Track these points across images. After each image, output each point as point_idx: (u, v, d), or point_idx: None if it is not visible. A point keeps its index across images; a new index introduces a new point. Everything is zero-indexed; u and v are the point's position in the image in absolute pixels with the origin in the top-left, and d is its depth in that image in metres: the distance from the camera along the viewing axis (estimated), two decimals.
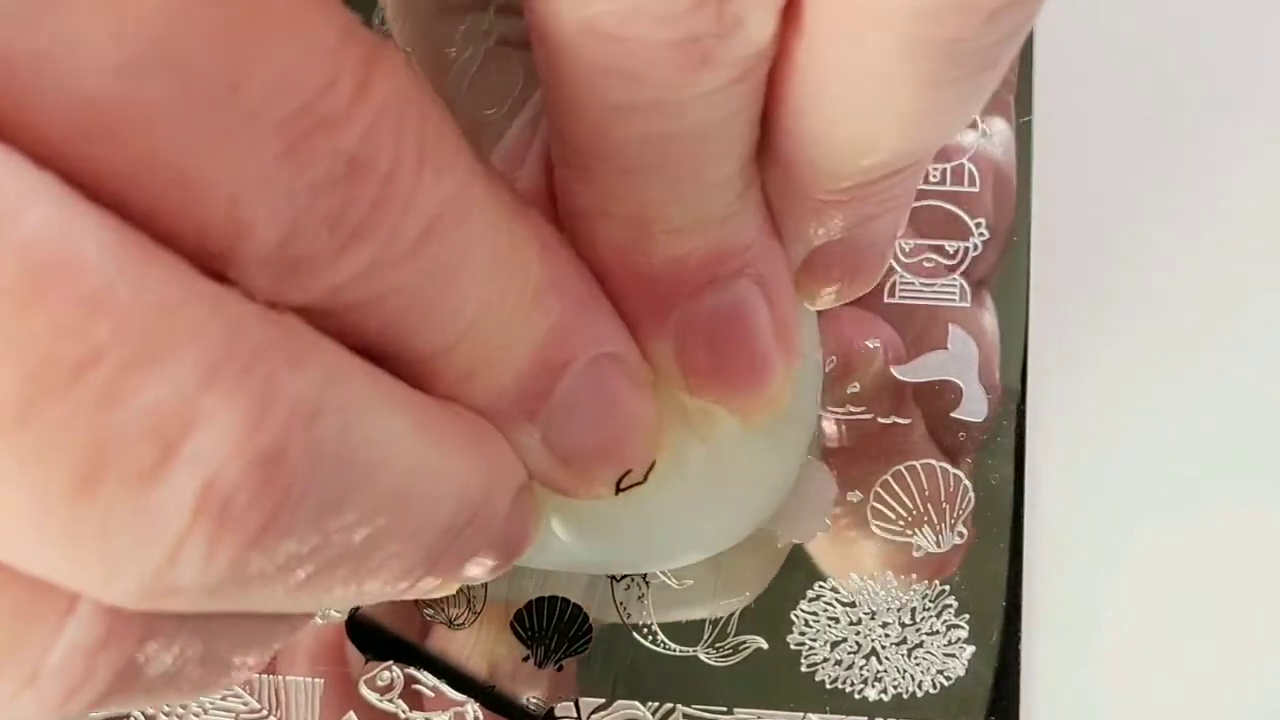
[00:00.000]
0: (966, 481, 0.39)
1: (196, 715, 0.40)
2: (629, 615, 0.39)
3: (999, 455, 0.39)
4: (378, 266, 0.18)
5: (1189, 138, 0.42)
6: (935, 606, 0.38)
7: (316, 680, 0.40)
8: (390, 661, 0.40)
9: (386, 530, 0.19)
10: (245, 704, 0.40)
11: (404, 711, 0.39)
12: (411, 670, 0.40)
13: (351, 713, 0.40)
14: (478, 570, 0.23)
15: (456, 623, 0.40)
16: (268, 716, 0.40)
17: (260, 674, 0.40)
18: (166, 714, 0.40)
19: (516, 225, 0.21)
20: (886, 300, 0.40)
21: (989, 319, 0.40)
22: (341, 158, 0.16)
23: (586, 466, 0.24)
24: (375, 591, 0.20)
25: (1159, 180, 0.42)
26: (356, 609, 0.40)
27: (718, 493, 0.30)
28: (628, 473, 0.25)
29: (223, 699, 0.40)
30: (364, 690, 0.40)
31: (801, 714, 0.38)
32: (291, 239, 0.17)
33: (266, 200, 0.16)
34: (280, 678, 0.40)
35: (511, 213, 0.20)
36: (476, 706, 0.39)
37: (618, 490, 0.24)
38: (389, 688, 0.39)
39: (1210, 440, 0.40)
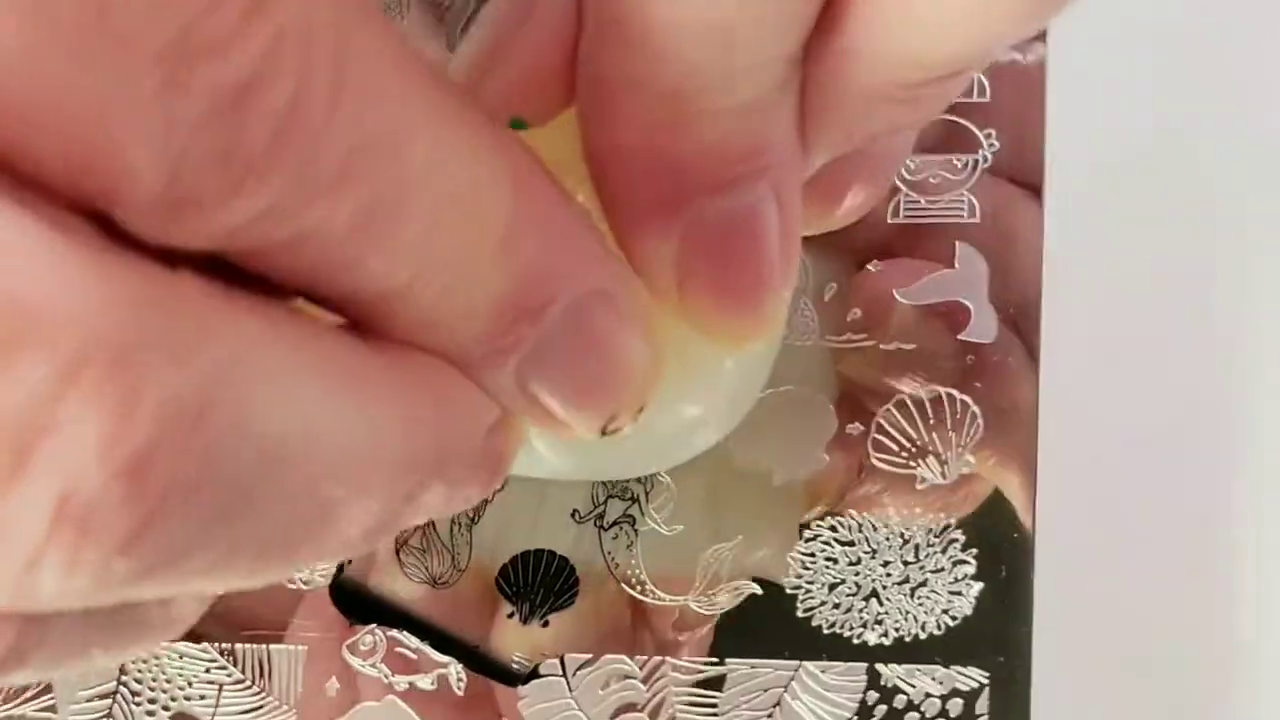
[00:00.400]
0: (975, 407, 0.36)
1: (181, 689, 0.39)
2: (616, 565, 0.37)
3: (1010, 378, 0.36)
4: (285, 206, 0.16)
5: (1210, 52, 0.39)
6: (940, 542, 0.35)
7: (299, 647, 0.38)
8: (373, 625, 0.38)
9: (310, 512, 0.17)
10: (229, 675, 0.38)
11: (387, 676, 0.37)
12: (394, 633, 0.38)
13: (334, 678, 0.38)
14: (454, 505, 0.21)
15: (441, 581, 0.38)
16: (251, 685, 0.38)
17: (243, 644, 0.39)
18: (152, 689, 0.39)
19: (483, 156, 0.18)
20: (890, 220, 0.38)
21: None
22: (229, 87, 0.15)
23: (568, 413, 0.22)
24: (325, 557, 0.19)
25: (1178, 100, 0.39)
26: (340, 572, 0.39)
27: (703, 400, 0.29)
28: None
29: (206, 671, 0.39)
30: (347, 655, 0.38)
31: (796, 663, 0.35)
32: (177, 179, 0.15)
33: (146, 139, 0.15)
34: (264, 647, 0.38)
35: (477, 141, 0.18)
36: (460, 668, 0.37)
37: (603, 434, 0.22)
38: (371, 651, 0.38)
39: (1234, 360, 0.36)
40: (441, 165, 0.17)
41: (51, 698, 0.39)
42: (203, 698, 0.38)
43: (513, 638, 0.37)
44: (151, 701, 0.39)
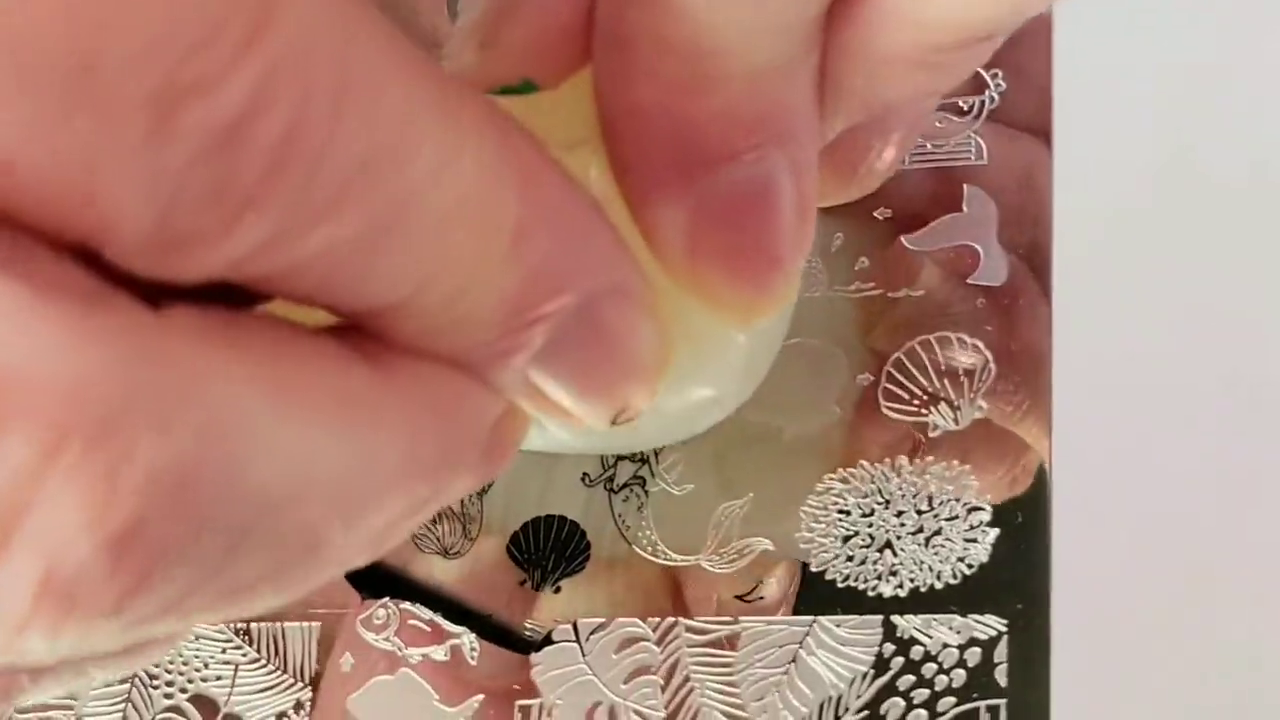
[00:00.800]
0: (986, 352, 0.35)
1: (198, 670, 0.39)
2: (627, 527, 0.36)
3: (1021, 322, 0.35)
4: (285, 234, 0.15)
5: None
6: (955, 489, 0.34)
7: (312, 625, 0.38)
8: (386, 598, 0.37)
9: (308, 546, 0.17)
10: (245, 654, 0.38)
11: (400, 649, 0.37)
12: (407, 605, 0.37)
13: (348, 653, 0.37)
14: (458, 496, 0.21)
15: (452, 551, 0.37)
16: (266, 664, 0.38)
17: (257, 622, 0.38)
18: (169, 672, 0.39)
19: (489, 157, 0.18)
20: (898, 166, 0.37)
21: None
22: (220, 124, 0.14)
23: (577, 406, 0.21)
24: (329, 577, 0.19)
25: (1187, 43, 0.38)
26: None
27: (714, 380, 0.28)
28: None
29: (223, 651, 0.38)
30: (360, 630, 0.37)
31: (811, 618, 0.34)
32: (168, 220, 0.15)
33: (134, 184, 0.14)
34: (278, 624, 0.38)
35: (483, 141, 0.18)
36: (473, 638, 0.36)
37: (613, 424, 0.22)
38: (384, 625, 0.37)
39: (1247, 302, 0.35)
40: (447, 172, 0.17)
41: None
42: (219, 678, 0.38)
43: (555, 609, 0.37)
44: (169, 684, 0.38)
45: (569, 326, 0.19)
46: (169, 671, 0.39)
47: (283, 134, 0.15)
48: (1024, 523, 0.33)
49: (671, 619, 0.35)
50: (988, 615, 0.33)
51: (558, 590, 0.36)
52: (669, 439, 0.34)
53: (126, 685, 0.39)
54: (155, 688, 0.38)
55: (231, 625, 0.38)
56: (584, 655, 0.36)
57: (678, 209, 0.22)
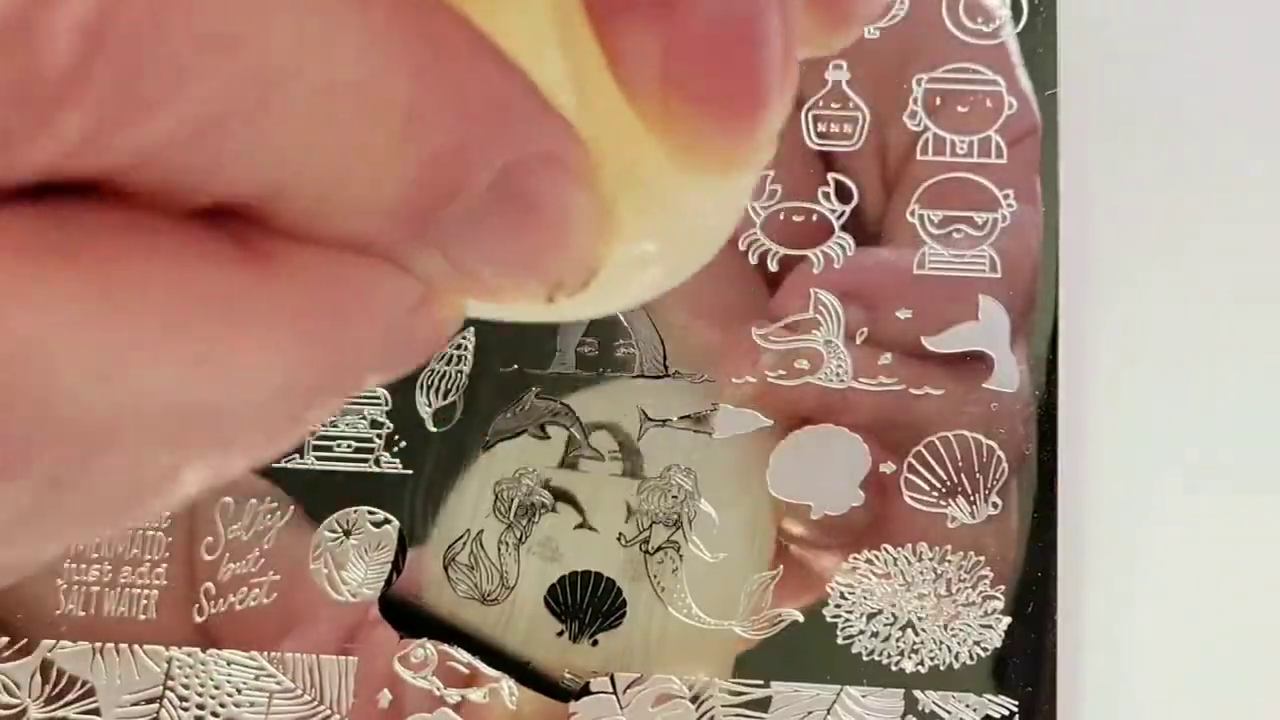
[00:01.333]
0: (1000, 452, 0.39)
1: (230, 695, 0.40)
2: (663, 589, 0.39)
3: (1032, 425, 0.39)
4: (110, 130, 0.14)
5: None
6: (971, 578, 0.38)
7: (350, 659, 0.40)
8: (424, 639, 0.40)
9: (162, 474, 0.16)
10: (279, 683, 0.40)
11: (439, 688, 0.39)
12: (446, 647, 0.39)
13: (386, 690, 0.39)
14: (380, 383, 0.19)
15: (490, 598, 0.40)
16: (302, 695, 0.40)
17: (293, 653, 0.40)
18: (200, 694, 0.40)
19: (369, 38, 0.15)
20: (916, 271, 0.40)
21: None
22: (10, 13, 0.13)
23: (506, 284, 0.19)
24: (197, 494, 0.17)
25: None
26: (388, 589, 0.40)
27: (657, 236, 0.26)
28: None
29: (255, 679, 0.40)
30: (398, 667, 0.39)
31: (838, 687, 0.38)
32: None
33: None
34: (314, 657, 0.40)
35: (360, 19, 0.15)
36: (512, 683, 0.39)
37: (550, 300, 0.20)
38: (423, 664, 0.39)
39: (1249, 410, 0.40)
40: (310, 57, 0.15)
41: (94, 701, 0.40)
42: (252, 704, 0.40)
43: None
44: (200, 708, 0.40)
45: (489, 199, 0.18)
46: (199, 694, 0.40)
47: (90, 21, 0.13)
48: (1034, 613, 0.38)
49: (706, 679, 0.39)
50: (1001, 695, 0.37)
51: (595, 643, 0.39)
52: (608, 305, 0.31)
53: (154, 705, 0.40)
54: (185, 709, 0.40)
55: (265, 653, 0.40)
56: (621, 708, 0.39)
57: (650, 34, 0.19)
